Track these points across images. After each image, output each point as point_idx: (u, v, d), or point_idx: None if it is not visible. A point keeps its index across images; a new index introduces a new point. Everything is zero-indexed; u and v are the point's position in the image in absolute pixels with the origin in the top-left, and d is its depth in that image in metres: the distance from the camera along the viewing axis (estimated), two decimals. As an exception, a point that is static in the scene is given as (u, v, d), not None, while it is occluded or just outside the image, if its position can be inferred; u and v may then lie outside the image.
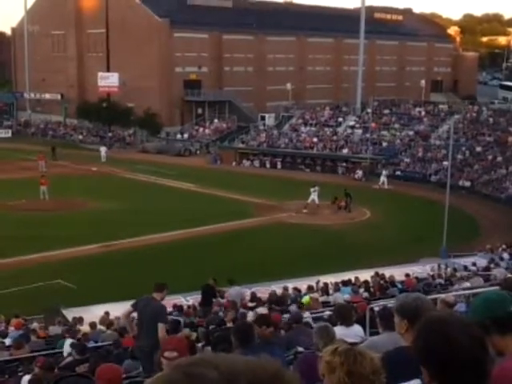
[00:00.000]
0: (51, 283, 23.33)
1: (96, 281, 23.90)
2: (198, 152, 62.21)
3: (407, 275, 20.75)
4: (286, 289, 18.73)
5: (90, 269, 25.49)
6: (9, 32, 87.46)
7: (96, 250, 28.36)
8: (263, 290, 19.92)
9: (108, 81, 66.10)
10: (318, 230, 33.74)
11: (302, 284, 20.28)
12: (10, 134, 71.30)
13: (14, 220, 33.32)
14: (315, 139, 57.12)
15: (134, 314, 9.44)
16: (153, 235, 30.80)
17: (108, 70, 66.51)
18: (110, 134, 66.26)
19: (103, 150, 56.44)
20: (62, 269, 25.25)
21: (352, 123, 59.62)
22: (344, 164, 53.30)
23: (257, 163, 56.24)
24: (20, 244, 28.32)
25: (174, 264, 26.18)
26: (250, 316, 11.84)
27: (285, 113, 64.56)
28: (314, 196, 37.87)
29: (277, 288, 19.88)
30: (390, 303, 8.11)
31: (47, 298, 21.11)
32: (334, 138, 57.05)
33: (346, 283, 19.17)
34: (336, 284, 19.08)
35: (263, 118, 65.01)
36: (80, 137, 68.44)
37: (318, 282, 19.81)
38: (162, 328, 8.50)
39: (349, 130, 58.42)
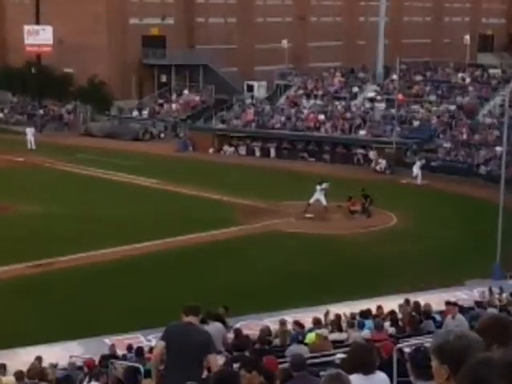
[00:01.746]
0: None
1: (25, 314, 23.91)
2: (163, 135, 62.12)
3: (448, 303, 20.93)
4: (283, 323, 18.82)
5: (16, 297, 25.49)
6: None
7: (26, 270, 28.34)
8: (253, 326, 20.02)
9: (38, 37, 65.77)
10: (326, 242, 33.87)
11: (306, 316, 20.38)
12: None
13: None
14: (322, 117, 57.23)
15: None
16: (102, 250, 30.81)
17: (37, 23, 66.23)
18: (41, 111, 66.10)
19: (30, 132, 56.17)
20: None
21: (371, 94, 59.79)
22: (361, 151, 53.52)
23: (243, 150, 56.28)
24: None
25: (130, 290, 26.24)
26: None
27: (280, 81, 64.59)
28: (319, 195, 37.93)
29: (271, 322, 20.00)
30: (426, 342, 8.27)
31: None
32: (348, 115, 57.20)
33: (365, 315, 19.31)
34: (352, 316, 19.22)
35: (251, 89, 64.99)
36: (0, 115, 68.25)
37: (327, 314, 19.93)
38: (215, 359, 8.90)
39: (367, 105, 58.61)
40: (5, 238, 32.24)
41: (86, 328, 22.01)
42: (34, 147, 54.98)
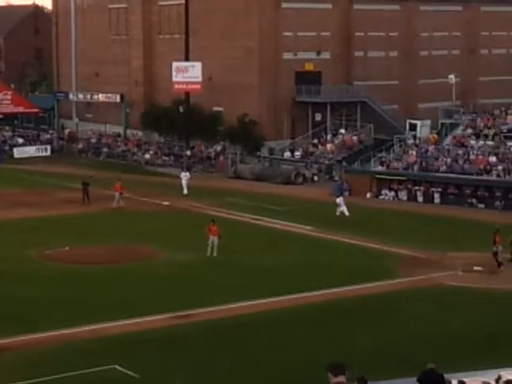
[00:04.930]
0: (105, 369, 23.81)
1: (167, 368, 24.16)
2: (316, 178, 62.35)
3: None
4: (447, 386, 18.38)
5: (154, 351, 25.81)
6: (49, 7, 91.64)
7: (164, 322, 28.74)
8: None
9: (187, 74, 67.51)
10: (498, 299, 32.80)
11: (473, 381, 19.77)
12: (49, 152, 74.65)
13: (50, 276, 34.72)
14: (493, 159, 56.11)
15: None
16: (243, 303, 30.92)
17: (187, 59, 68.04)
18: (188, 153, 67.54)
19: (185, 177, 56.52)
20: (117, 348, 25.73)
21: (550, 134, 58.29)
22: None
23: (403, 195, 55.81)
24: (54, 311, 29.25)
25: (271, 351, 26.15)
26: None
27: (446, 119, 63.87)
28: None
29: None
30: None
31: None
32: (523, 156, 55.95)
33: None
34: (527, 383, 18.45)
35: (413, 128, 64.47)
36: (146, 156, 70.38)
37: (498, 379, 19.23)
38: None
39: (545, 145, 57.14)
40: (145, 286, 33.06)
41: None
42: (186, 192, 55.49)
